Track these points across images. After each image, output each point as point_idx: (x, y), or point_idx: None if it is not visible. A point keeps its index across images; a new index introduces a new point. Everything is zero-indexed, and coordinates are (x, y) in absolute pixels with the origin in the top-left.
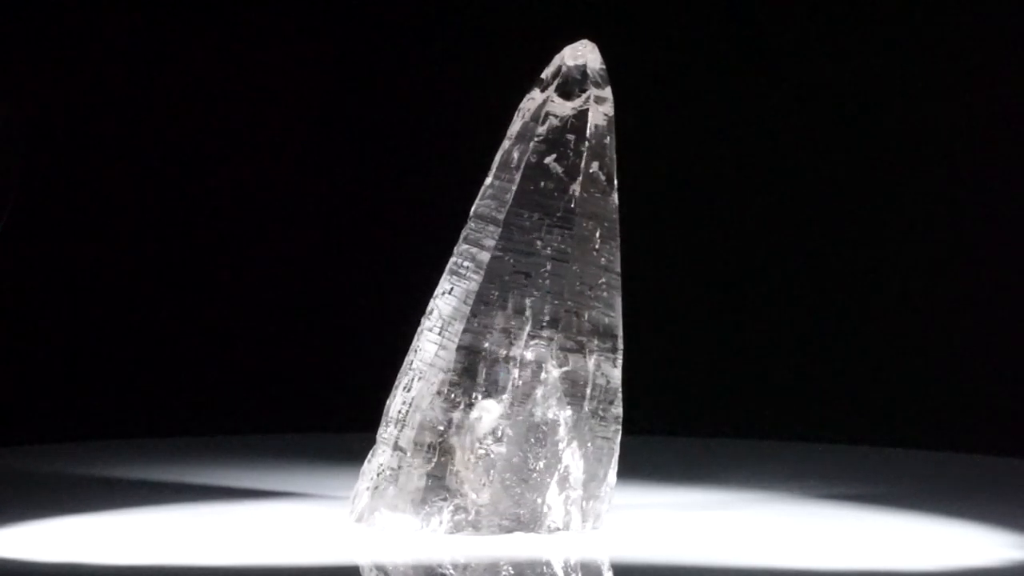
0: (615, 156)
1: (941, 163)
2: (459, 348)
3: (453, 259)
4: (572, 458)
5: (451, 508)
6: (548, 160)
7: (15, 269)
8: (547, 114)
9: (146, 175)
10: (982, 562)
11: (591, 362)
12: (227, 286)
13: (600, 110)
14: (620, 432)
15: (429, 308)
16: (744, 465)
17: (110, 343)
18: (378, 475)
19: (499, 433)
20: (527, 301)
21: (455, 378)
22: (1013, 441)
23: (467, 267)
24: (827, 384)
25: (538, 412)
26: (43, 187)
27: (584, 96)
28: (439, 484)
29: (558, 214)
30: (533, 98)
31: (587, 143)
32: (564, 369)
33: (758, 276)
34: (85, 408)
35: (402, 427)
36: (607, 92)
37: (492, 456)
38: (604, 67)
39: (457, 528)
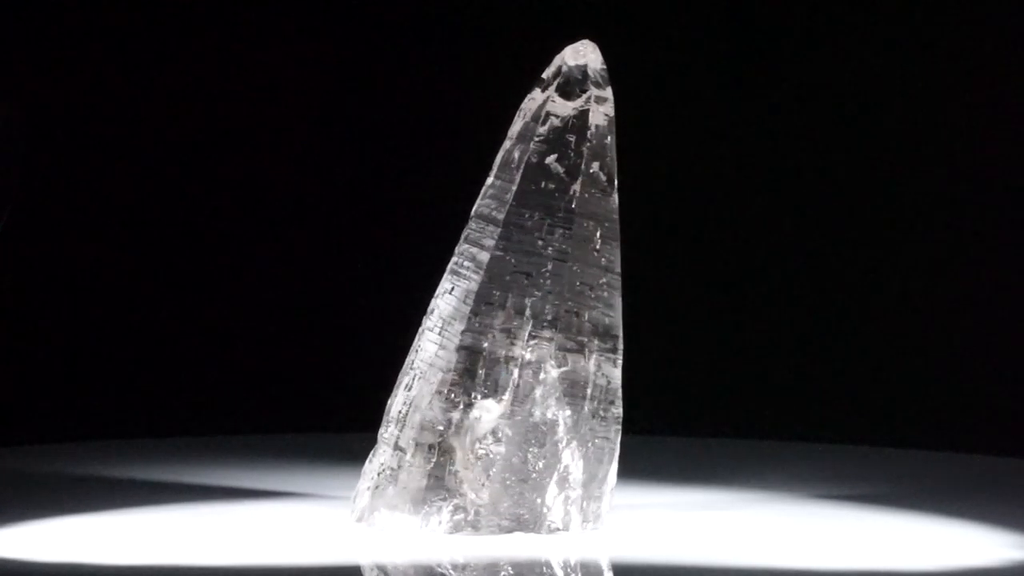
0: (615, 156)
1: (941, 163)
2: (458, 348)
3: (454, 259)
4: (572, 458)
5: (450, 508)
6: (549, 160)
7: (15, 269)
8: (548, 114)
9: (146, 175)
10: (982, 562)
11: (591, 362)
12: (227, 286)
13: (601, 110)
14: (620, 432)
15: (430, 307)
16: (744, 465)
17: (110, 343)
18: (378, 475)
19: (498, 433)
20: (527, 301)
21: (454, 378)
22: (1013, 441)
23: (467, 267)
24: (827, 384)
25: (537, 412)
26: (43, 187)
27: (585, 96)
28: (439, 484)
29: (559, 214)
30: (534, 98)
31: (588, 143)
32: (563, 369)
33: (758, 276)
34: (85, 408)
35: (402, 427)
36: (608, 92)
37: (491, 456)
38: (605, 67)
39: (456, 528)
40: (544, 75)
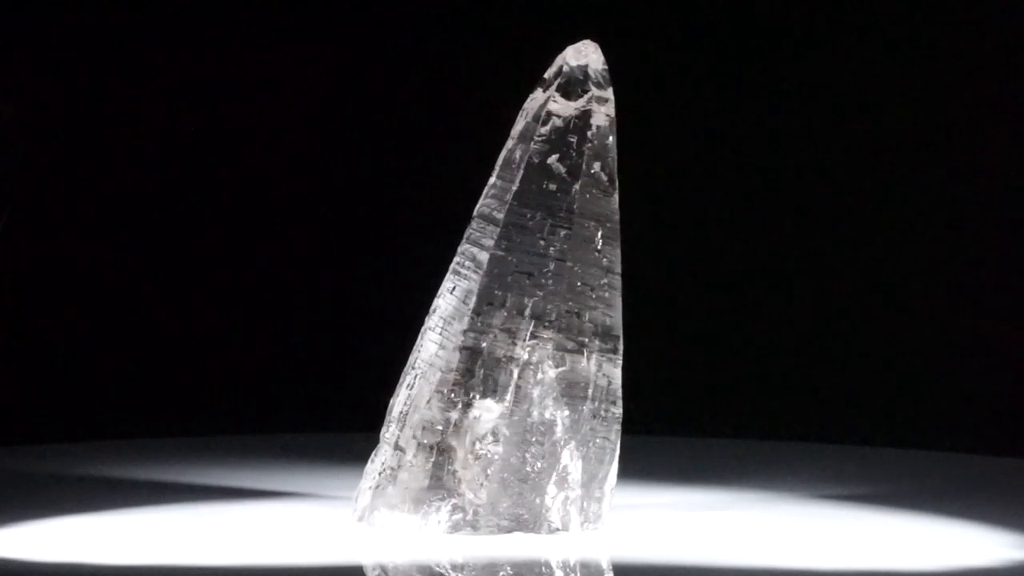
0: (616, 156)
1: (941, 163)
2: (458, 348)
3: (456, 258)
4: (571, 458)
5: (449, 508)
6: (550, 160)
7: (15, 269)
8: (549, 114)
9: (146, 175)
10: (982, 562)
11: (592, 363)
12: (227, 286)
13: (602, 110)
14: (620, 432)
15: (432, 307)
16: (744, 465)
17: (110, 343)
18: (379, 474)
19: (497, 433)
20: (528, 301)
21: (454, 377)
22: (1013, 441)
23: (468, 267)
24: (827, 384)
25: (535, 412)
26: (43, 187)
27: (586, 96)
28: (438, 484)
29: (560, 214)
30: (535, 98)
31: (589, 143)
32: (561, 369)
33: (758, 276)
34: (85, 408)
35: (402, 426)
36: (609, 92)
37: (490, 456)
38: (606, 67)
39: (456, 528)
40: (546, 75)
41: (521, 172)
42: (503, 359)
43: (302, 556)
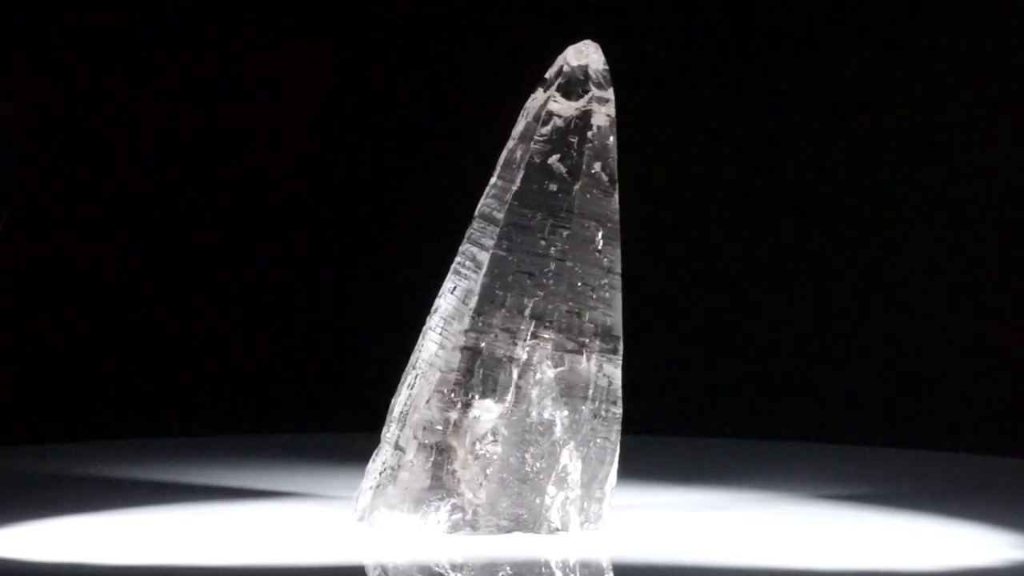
0: (617, 157)
1: (941, 163)
2: (457, 348)
3: (457, 258)
4: (571, 459)
5: (449, 508)
6: (551, 160)
7: (15, 269)
8: (549, 114)
9: (146, 175)
10: (982, 562)
11: (592, 363)
12: (227, 286)
13: (602, 111)
14: (620, 433)
15: (434, 306)
16: (744, 465)
17: (110, 343)
18: (380, 474)
19: (495, 433)
20: (528, 301)
21: (453, 377)
22: (1013, 441)
23: (468, 266)
24: (827, 384)
25: (533, 412)
26: (43, 187)
27: (587, 97)
28: (437, 483)
29: (560, 214)
30: (536, 98)
31: (590, 144)
32: (560, 369)
33: (758, 276)
34: (85, 408)
35: (402, 426)
36: (609, 93)
37: (489, 456)
38: (607, 67)
39: (455, 528)
40: (547, 75)
41: (522, 172)
42: (503, 359)
43: (302, 556)
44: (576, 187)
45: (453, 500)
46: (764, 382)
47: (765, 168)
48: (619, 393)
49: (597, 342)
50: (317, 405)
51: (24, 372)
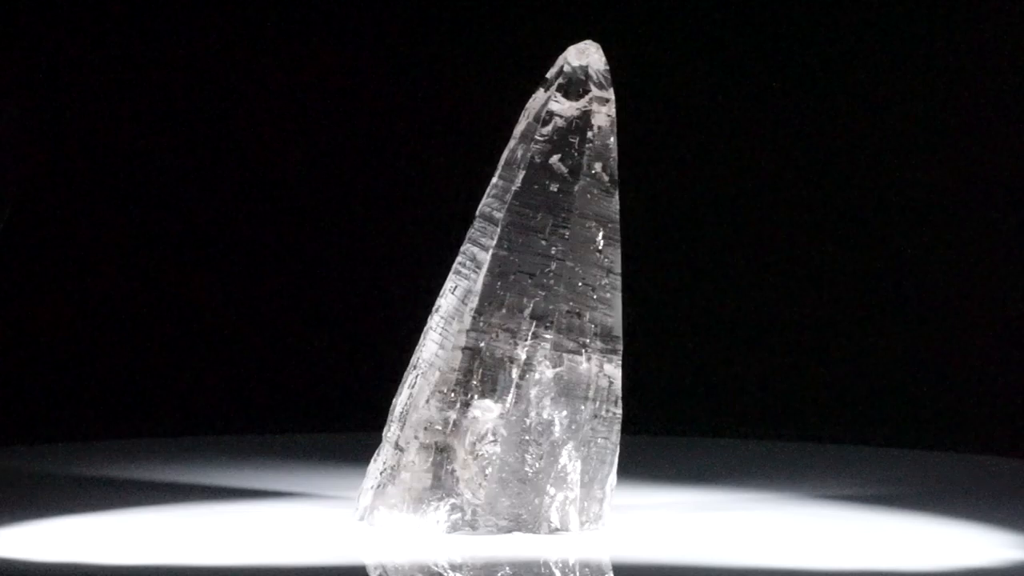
0: (617, 157)
1: (940, 163)
2: (457, 347)
3: (458, 258)
4: (570, 459)
5: (448, 508)
6: (552, 160)
7: (15, 269)
8: (550, 114)
9: (147, 175)
10: (982, 562)
11: (593, 363)
12: (228, 285)
13: (603, 111)
14: (620, 433)
15: (435, 306)
16: (744, 465)
17: (110, 343)
18: (381, 473)
19: (494, 433)
20: (528, 301)
21: (453, 377)
22: (1013, 441)
23: (468, 266)
24: (827, 384)
25: (532, 412)
26: (43, 187)
27: (587, 97)
28: (437, 483)
29: (561, 214)
30: (537, 98)
31: (590, 144)
32: (558, 369)
33: (758, 276)
34: (85, 408)
35: (402, 425)
36: (610, 93)
37: (488, 456)
38: (607, 68)
39: (454, 528)
40: (548, 75)
41: (522, 172)
42: (503, 359)
43: (302, 556)
44: (577, 187)
45: (452, 500)
46: (764, 382)
47: (765, 168)
48: (619, 393)
49: (598, 342)
50: (318, 405)
51: (24, 372)
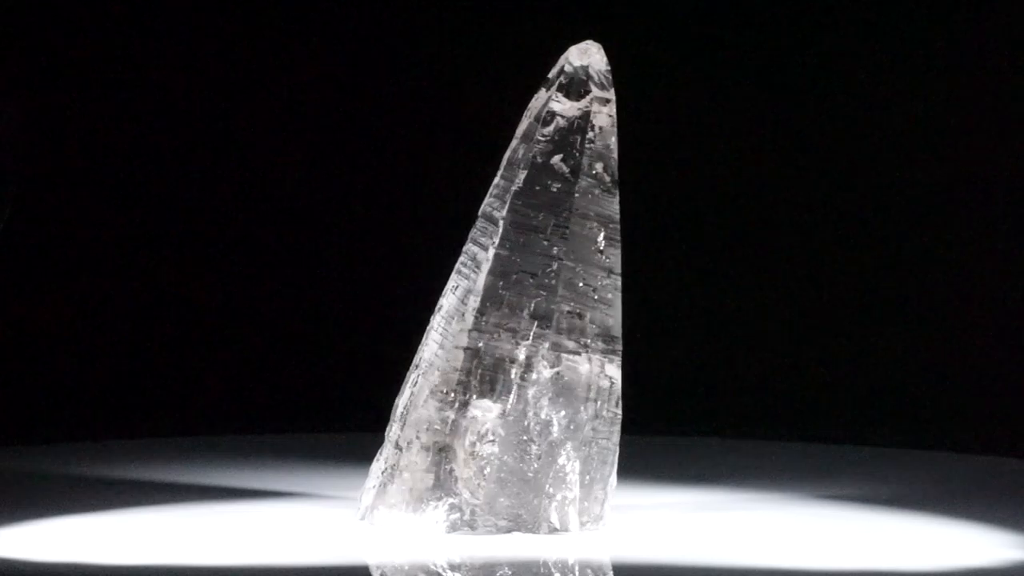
0: (617, 157)
1: (941, 163)
2: (457, 347)
3: (460, 258)
4: (569, 459)
5: (447, 507)
6: (553, 160)
7: (15, 269)
8: (551, 114)
9: (147, 174)
10: (982, 562)
11: (593, 364)
12: (228, 285)
13: (604, 111)
14: (620, 433)
15: (438, 305)
16: (744, 465)
17: (110, 343)
18: (382, 473)
19: (493, 433)
20: (529, 301)
21: (453, 377)
22: (1013, 441)
23: (469, 266)
24: (827, 384)
25: (530, 413)
26: (43, 186)
27: (588, 97)
28: (436, 483)
29: (563, 214)
30: (539, 98)
31: (591, 144)
32: (556, 369)
33: (758, 276)
34: (85, 408)
35: (403, 425)
36: (611, 93)
37: (487, 456)
38: (609, 68)
39: (453, 527)
40: (549, 75)
41: (524, 172)
42: (502, 359)
43: (301, 556)
44: (578, 187)
45: (451, 500)
46: (764, 382)
47: (765, 168)
48: (619, 393)
49: (599, 343)
50: (319, 405)
51: (24, 372)
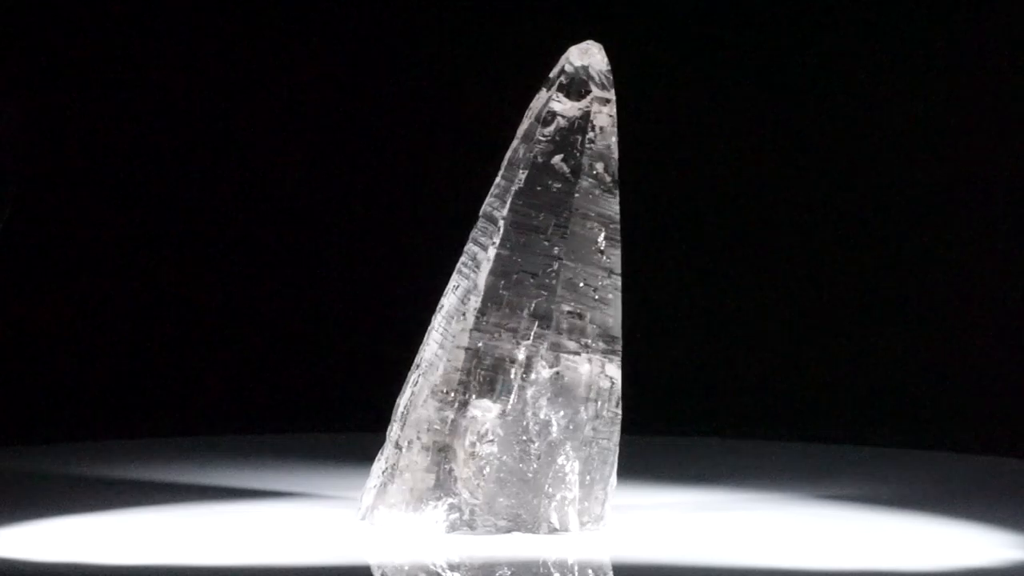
0: (618, 158)
1: (941, 163)
2: (456, 347)
3: (462, 257)
4: (569, 459)
5: (446, 507)
6: (554, 160)
7: (15, 269)
8: (552, 114)
9: (148, 174)
10: (982, 562)
11: (593, 364)
12: (228, 285)
13: (604, 111)
14: (619, 434)
15: (439, 305)
16: (744, 465)
17: (110, 343)
18: (383, 473)
19: (492, 433)
20: (530, 301)
21: (454, 377)
22: (1013, 441)
23: (470, 266)
24: (827, 384)
25: (529, 413)
26: (43, 186)
27: (588, 97)
28: (435, 483)
29: (563, 214)
30: (540, 98)
31: (592, 144)
32: (556, 370)
33: (758, 276)
34: (85, 408)
35: (403, 425)
36: (611, 94)
37: (486, 456)
38: (609, 68)
39: (453, 527)
40: (550, 75)
41: (524, 172)
42: (502, 359)
43: (301, 556)
44: (579, 187)
45: (451, 500)
46: (764, 382)
47: (765, 168)
48: (619, 394)
49: (599, 343)
50: (319, 405)
51: (24, 372)
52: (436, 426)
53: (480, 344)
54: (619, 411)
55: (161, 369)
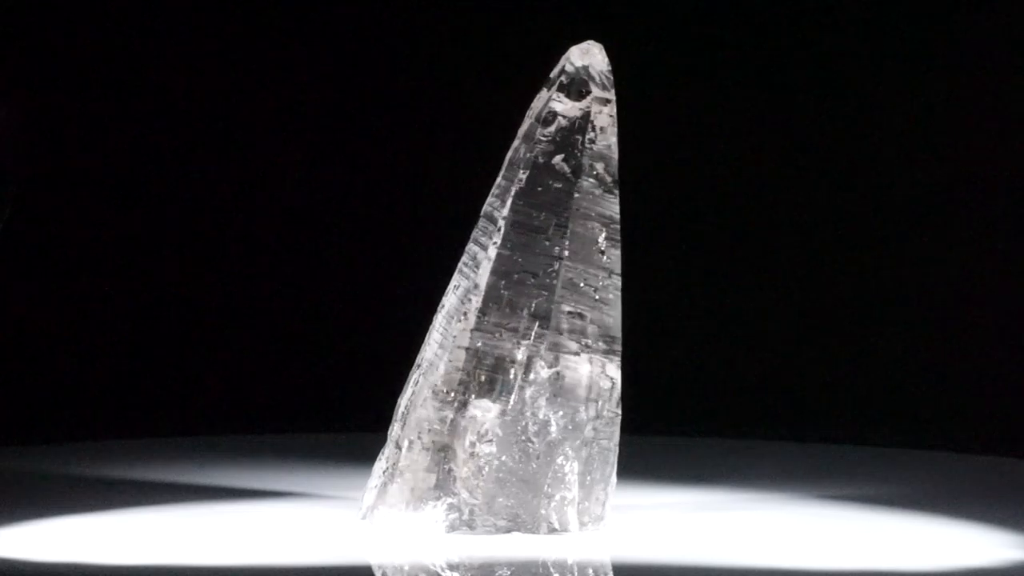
0: (618, 158)
1: (941, 163)
2: (456, 347)
3: (463, 258)
4: (568, 459)
5: (446, 507)
6: (555, 160)
7: (15, 269)
8: (552, 114)
9: (148, 174)
10: (982, 562)
11: (593, 364)
12: (228, 285)
13: (605, 111)
14: (619, 434)
15: (440, 304)
16: (744, 465)
17: (110, 343)
18: (384, 472)
19: (491, 433)
20: (530, 301)
21: (453, 376)
22: (1013, 441)
23: (470, 265)
24: (827, 384)
25: (528, 413)
26: (43, 186)
27: (589, 97)
28: (436, 483)
29: (564, 214)
30: (540, 98)
31: (592, 144)
32: (555, 370)
33: (758, 276)
34: (85, 408)
35: (403, 424)
36: (611, 94)
37: (485, 456)
38: (609, 68)
39: (453, 527)
40: (551, 75)
41: (525, 172)
42: (503, 359)
43: (302, 556)
44: (579, 187)
45: (450, 500)
46: (764, 382)
47: (765, 169)
48: (619, 394)
49: (599, 343)
50: (319, 405)
51: (24, 372)
52: (436, 426)
53: (480, 344)
54: (619, 411)
55: (161, 369)
